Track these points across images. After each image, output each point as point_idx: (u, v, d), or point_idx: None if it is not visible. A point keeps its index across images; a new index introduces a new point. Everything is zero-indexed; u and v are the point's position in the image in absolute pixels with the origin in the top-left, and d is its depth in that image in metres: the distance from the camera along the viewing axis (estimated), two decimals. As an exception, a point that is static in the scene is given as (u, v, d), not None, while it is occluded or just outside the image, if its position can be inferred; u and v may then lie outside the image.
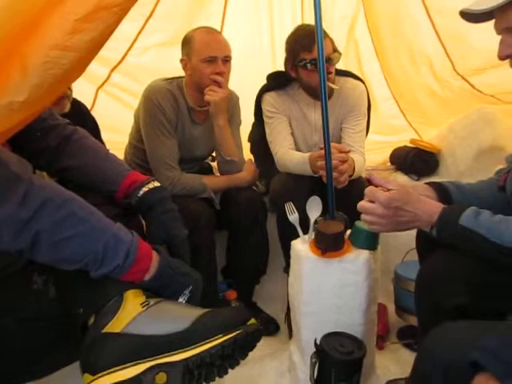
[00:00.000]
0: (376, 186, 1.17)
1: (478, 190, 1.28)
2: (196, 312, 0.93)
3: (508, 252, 0.96)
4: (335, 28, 2.57)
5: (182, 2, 2.51)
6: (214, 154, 2.22)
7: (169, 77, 2.00)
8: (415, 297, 1.16)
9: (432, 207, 1.09)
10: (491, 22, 1.07)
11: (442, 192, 1.25)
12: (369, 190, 1.15)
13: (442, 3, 2.22)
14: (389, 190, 1.13)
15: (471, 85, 2.47)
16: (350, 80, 2.11)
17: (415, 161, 2.51)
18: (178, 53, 1.96)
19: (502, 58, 1.07)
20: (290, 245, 1.50)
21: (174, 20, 2.50)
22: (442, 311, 1.02)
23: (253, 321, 0.95)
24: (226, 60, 1.89)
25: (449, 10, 1.93)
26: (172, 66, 2.07)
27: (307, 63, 1.91)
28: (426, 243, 1.25)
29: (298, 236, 1.49)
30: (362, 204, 1.16)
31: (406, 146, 2.64)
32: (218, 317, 0.92)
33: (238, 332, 0.90)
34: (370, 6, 2.62)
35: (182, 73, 1.97)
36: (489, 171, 1.41)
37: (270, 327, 1.96)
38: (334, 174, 1.58)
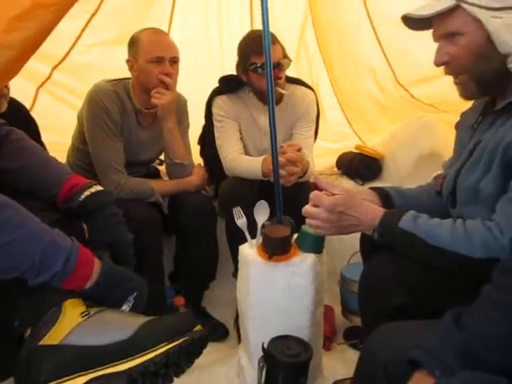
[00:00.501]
0: (321, 190, 1.20)
1: (417, 195, 1.34)
2: (140, 320, 0.91)
3: (444, 253, 1.01)
4: (287, 35, 2.60)
5: (128, 1, 2.44)
6: (161, 158, 2.18)
7: (115, 78, 1.95)
8: (358, 298, 1.19)
9: (374, 212, 1.13)
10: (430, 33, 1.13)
11: (385, 197, 1.30)
12: (314, 194, 1.17)
13: (386, 15, 2.30)
14: (333, 194, 1.16)
15: (411, 95, 2.58)
16: (300, 88, 2.15)
17: (360, 166, 2.60)
18: (123, 52, 1.91)
19: (438, 64, 1.12)
20: (238, 249, 1.51)
21: (119, 19, 2.43)
22: (384, 312, 1.05)
23: (199, 327, 0.94)
24: (174, 61, 1.86)
25: (392, 21, 2.00)
26: (117, 66, 2.02)
27: (257, 67, 1.92)
28: (369, 246, 1.28)
29: (246, 240, 1.50)
30: (307, 208, 1.19)
31: (351, 152, 2.73)
32: (163, 324, 0.90)
33: (183, 339, 0.89)
34: (317, 16, 2.68)
35: (127, 73, 1.93)
36: (428, 177, 1.47)
37: (219, 332, 1.95)
38: (283, 173, 1.59)
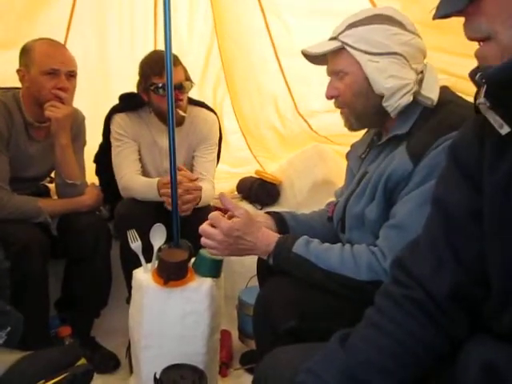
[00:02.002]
0: (224, 209, 1.20)
1: (310, 220, 1.41)
2: (13, 357, 0.82)
3: (333, 276, 1.06)
4: (192, 58, 2.61)
5: (17, 4, 2.24)
6: (52, 175, 2.04)
7: (3, 86, 1.81)
8: (253, 321, 1.21)
9: (269, 237, 1.17)
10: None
11: (280, 221, 1.35)
12: (213, 215, 1.19)
13: (290, 45, 2.41)
14: (233, 216, 1.18)
15: (309, 125, 2.72)
16: (204, 110, 2.16)
17: (259, 191, 2.66)
18: (11, 58, 1.77)
19: (328, 97, 1.20)
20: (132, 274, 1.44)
21: (5, 21, 2.23)
22: (277, 335, 1.07)
23: (83, 361, 0.87)
24: (71, 75, 1.77)
25: (295, 52, 2.11)
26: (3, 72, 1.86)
27: (158, 88, 1.90)
28: (265, 269, 1.31)
29: (140, 265, 1.44)
30: (204, 227, 1.20)
31: (251, 177, 2.79)
32: (41, 360, 0.82)
33: (63, 376, 0.82)
34: (223, 42, 2.73)
35: (11, 81, 1.79)
36: (322, 202, 1.54)
37: (109, 364, 1.83)
38: (178, 202, 1.57)
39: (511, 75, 0.56)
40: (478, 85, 0.62)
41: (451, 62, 1.63)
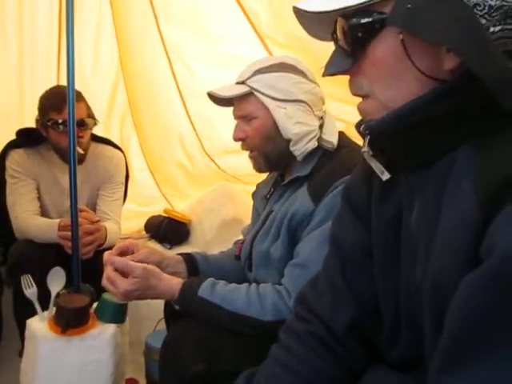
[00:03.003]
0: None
1: (220, 260, 1.41)
2: None
3: (239, 318, 1.07)
4: (97, 95, 2.56)
5: None
6: None
7: None
8: (159, 366, 1.17)
9: (172, 285, 1.15)
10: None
11: (191, 263, 1.34)
12: (110, 276, 1.16)
13: (193, 88, 2.47)
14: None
15: (217, 165, 2.77)
16: (109, 148, 2.11)
17: (168, 230, 2.63)
18: None
19: (235, 139, 1.24)
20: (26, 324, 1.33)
21: None
22: (183, 379, 1.04)
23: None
24: None
25: (199, 94, 2.17)
26: None
27: (56, 124, 1.83)
28: (172, 311, 1.27)
29: (36, 313, 1.33)
30: (105, 283, 1.17)
31: (160, 215, 2.75)
32: None
33: None
34: (128, 81, 2.72)
35: None
36: (231, 241, 1.55)
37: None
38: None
39: (388, 128, 0.64)
40: (363, 135, 0.69)
41: (343, 109, 1.80)
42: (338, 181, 1.09)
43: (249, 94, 1.18)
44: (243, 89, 1.18)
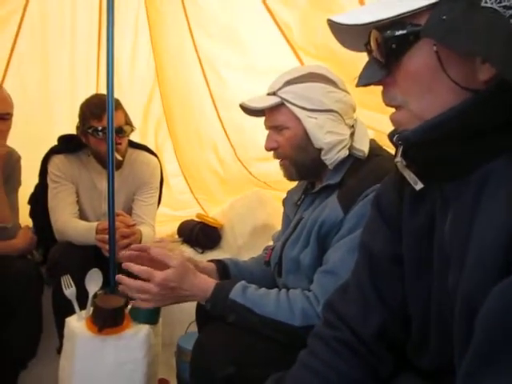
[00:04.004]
0: (153, 260, 1.19)
1: (250, 266, 1.44)
2: None
3: (269, 322, 1.09)
4: (133, 103, 2.64)
5: None
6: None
7: None
8: (190, 368, 1.19)
9: (206, 284, 1.17)
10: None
11: (222, 269, 1.37)
12: (144, 270, 1.16)
13: (226, 98, 2.51)
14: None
15: (249, 171, 2.80)
16: (145, 154, 2.17)
17: (200, 235, 2.67)
18: None
19: (267, 149, 1.26)
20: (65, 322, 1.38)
21: None
22: (213, 382, 1.06)
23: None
24: (4, 118, 1.73)
25: (232, 104, 2.21)
26: None
27: (96, 131, 1.90)
28: (204, 315, 1.30)
29: (74, 312, 1.39)
30: (136, 285, 1.16)
31: (192, 220, 2.80)
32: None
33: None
34: (164, 90, 2.80)
35: None
36: (262, 246, 1.58)
37: (34, 420, 1.70)
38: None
39: (422, 138, 0.65)
40: (396, 145, 0.70)
41: (373, 117, 1.79)
42: (368, 189, 1.10)
43: (280, 105, 1.19)
44: (274, 100, 1.19)
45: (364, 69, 0.71)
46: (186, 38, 2.46)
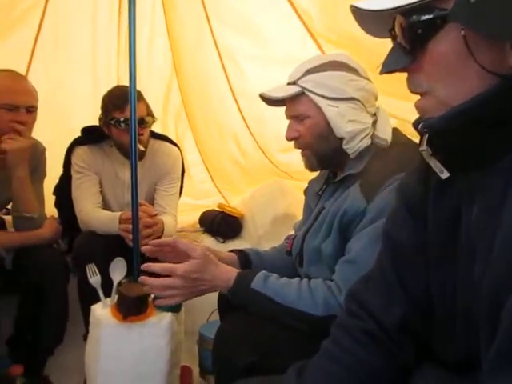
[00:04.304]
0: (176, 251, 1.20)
1: (271, 256, 1.44)
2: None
3: (290, 311, 1.09)
4: (153, 93, 2.66)
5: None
6: (9, 207, 2.00)
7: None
8: (212, 356, 1.20)
9: (228, 273, 1.17)
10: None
11: (244, 258, 1.38)
12: (163, 267, 1.16)
13: (245, 88, 2.50)
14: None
15: (270, 160, 2.79)
16: (166, 144, 2.18)
17: (221, 224, 2.68)
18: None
19: (288, 139, 1.25)
20: (90, 309, 1.42)
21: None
22: (235, 370, 1.07)
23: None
24: (30, 110, 1.76)
25: (251, 94, 2.21)
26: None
27: (119, 122, 1.92)
28: (225, 303, 1.31)
29: (99, 300, 1.42)
30: (159, 283, 1.16)
31: (213, 210, 2.82)
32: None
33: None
34: (182, 81, 2.80)
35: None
36: (283, 236, 1.57)
37: (62, 404, 1.76)
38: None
39: (448, 125, 0.63)
40: (421, 134, 0.69)
41: (396, 104, 1.76)
42: (391, 178, 1.08)
43: (300, 94, 1.18)
44: (295, 89, 1.18)
45: (388, 55, 0.69)
46: (204, 28, 2.45)
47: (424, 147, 0.68)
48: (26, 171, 1.79)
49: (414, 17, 0.62)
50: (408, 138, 1.24)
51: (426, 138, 0.67)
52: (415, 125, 0.70)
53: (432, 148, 0.67)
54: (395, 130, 1.23)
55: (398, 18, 0.65)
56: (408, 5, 0.61)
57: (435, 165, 0.68)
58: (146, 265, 1.19)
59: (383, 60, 0.70)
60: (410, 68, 0.67)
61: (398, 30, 0.66)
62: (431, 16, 0.61)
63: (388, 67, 0.68)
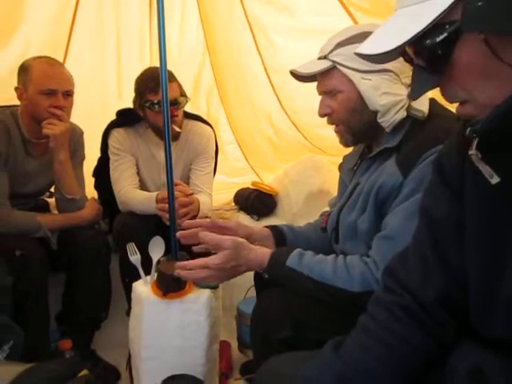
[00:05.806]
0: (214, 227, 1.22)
1: (306, 232, 1.44)
2: (15, 369, 0.84)
3: (327, 288, 1.09)
4: (184, 71, 2.66)
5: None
6: (52, 190, 2.07)
7: (2, 105, 1.84)
8: (250, 332, 1.22)
9: (262, 255, 1.17)
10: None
11: (279, 235, 1.38)
12: (195, 264, 1.18)
13: (277, 63, 2.47)
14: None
15: (304, 136, 2.76)
16: (199, 124, 2.19)
17: (256, 202, 2.69)
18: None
19: (320, 115, 1.23)
20: (132, 286, 1.47)
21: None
22: (271, 345, 1.09)
23: (84, 372, 0.90)
24: (68, 94, 1.81)
25: (283, 69, 2.17)
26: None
27: (153, 104, 1.93)
28: (262, 280, 1.33)
29: (140, 277, 1.47)
30: (195, 277, 1.20)
31: (248, 188, 2.82)
32: (42, 372, 0.84)
33: (66, 386, 0.84)
34: (214, 57, 2.79)
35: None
36: (318, 212, 1.57)
37: (110, 376, 1.84)
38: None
39: (498, 122, 0.62)
40: (469, 138, 0.67)
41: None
42: (428, 151, 1.05)
43: (332, 69, 1.15)
44: (325, 64, 1.15)
45: (414, 79, 0.70)
46: (235, 2, 2.41)
47: (474, 151, 0.67)
48: (67, 155, 1.84)
49: (428, 42, 0.63)
50: (446, 108, 1.19)
51: (475, 141, 0.66)
52: (463, 132, 0.68)
53: (482, 152, 0.66)
54: (432, 101, 1.19)
55: (408, 47, 0.66)
56: (415, 36, 0.61)
57: (485, 169, 0.67)
58: (180, 264, 1.22)
59: (410, 84, 0.71)
60: (441, 83, 0.67)
61: (413, 56, 0.67)
62: (446, 35, 0.61)
63: (419, 91, 0.68)
